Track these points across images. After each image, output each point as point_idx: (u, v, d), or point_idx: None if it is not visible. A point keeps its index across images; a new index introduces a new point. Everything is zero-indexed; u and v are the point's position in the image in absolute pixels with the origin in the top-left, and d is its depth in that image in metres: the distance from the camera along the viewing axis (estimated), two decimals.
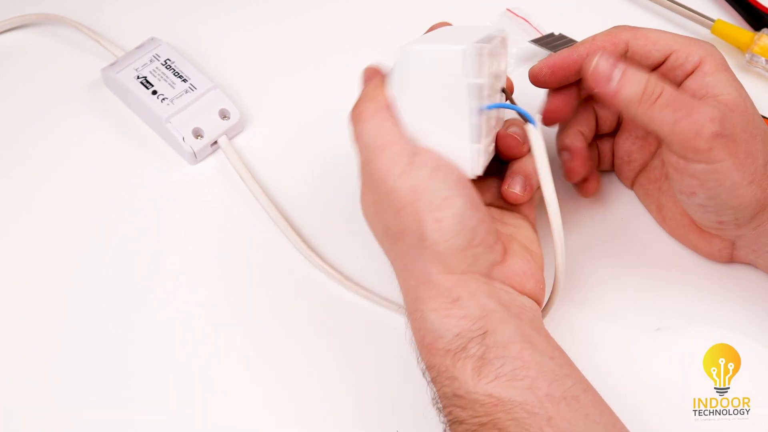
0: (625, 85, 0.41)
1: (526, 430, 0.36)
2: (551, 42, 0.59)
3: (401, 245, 0.40)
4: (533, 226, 0.46)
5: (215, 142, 0.55)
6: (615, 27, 0.46)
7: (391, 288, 0.46)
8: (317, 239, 0.52)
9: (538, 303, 0.42)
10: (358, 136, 0.40)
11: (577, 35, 0.59)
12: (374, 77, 0.43)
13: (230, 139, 0.55)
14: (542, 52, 0.59)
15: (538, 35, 0.61)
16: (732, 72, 0.44)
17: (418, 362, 0.40)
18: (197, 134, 0.54)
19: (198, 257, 0.51)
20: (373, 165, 0.39)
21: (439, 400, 0.39)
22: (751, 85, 0.48)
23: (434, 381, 0.39)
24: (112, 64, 0.57)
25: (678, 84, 0.44)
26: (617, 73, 0.41)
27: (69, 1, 0.62)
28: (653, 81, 0.41)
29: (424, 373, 0.40)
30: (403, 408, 0.45)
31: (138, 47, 0.58)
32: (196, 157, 0.54)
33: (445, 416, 0.39)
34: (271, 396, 0.47)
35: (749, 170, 0.42)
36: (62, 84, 0.59)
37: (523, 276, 0.42)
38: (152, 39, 0.58)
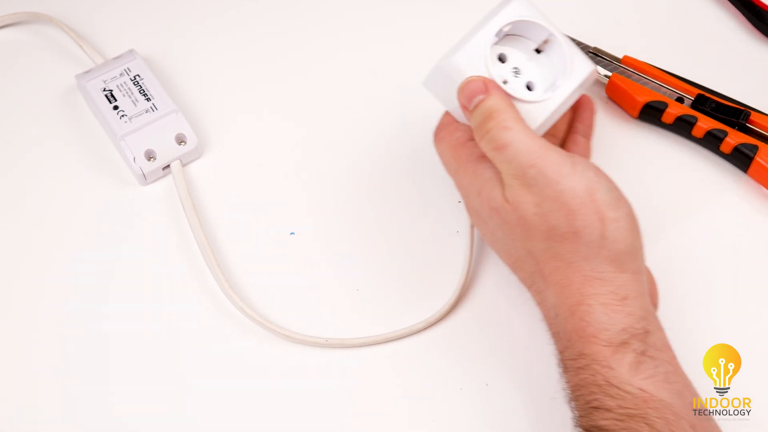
0: None
1: (671, 430, 0.38)
2: None
3: (568, 245, 0.41)
4: None
5: (168, 166, 0.54)
6: None
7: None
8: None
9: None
10: (507, 144, 0.41)
11: (578, 34, 0.59)
12: (485, 92, 0.43)
13: (185, 165, 0.55)
14: None
15: None
16: None
17: (561, 352, 0.42)
18: (149, 156, 0.53)
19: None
20: (538, 168, 0.41)
21: (578, 388, 0.40)
22: None
23: (583, 368, 0.40)
24: (87, 72, 0.57)
25: None
26: None
27: (64, 2, 0.62)
28: None
29: (566, 361, 0.41)
30: None
31: (115, 58, 0.57)
32: (145, 178, 0.54)
33: (585, 403, 0.40)
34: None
35: None
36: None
37: (651, 283, 0.45)
38: (131, 51, 0.58)
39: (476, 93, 0.43)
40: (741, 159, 0.54)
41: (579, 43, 0.60)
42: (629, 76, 0.58)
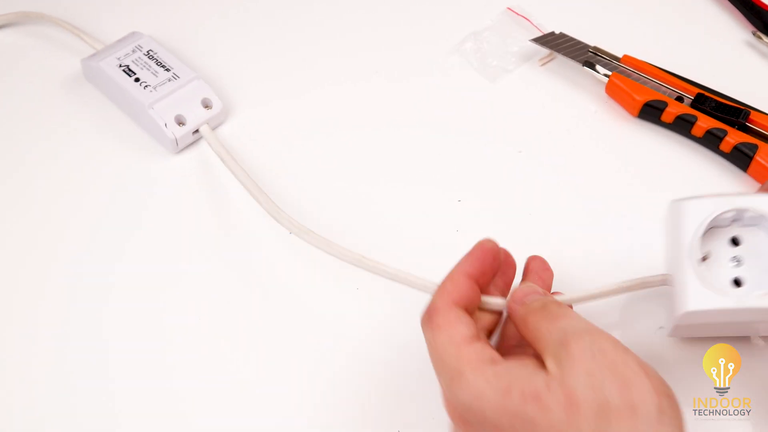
0: None
1: None
2: (552, 41, 0.61)
3: (624, 422, 0.35)
4: None
5: (197, 131, 0.55)
6: None
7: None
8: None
9: None
10: (566, 314, 0.40)
11: (578, 34, 0.61)
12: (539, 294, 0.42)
13: (213, 129, 0.56)
14: (542, 51, 0.62)
15: (539, 34, 0.62)
16: None
17: None
18: (179, 121, 0.54)
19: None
20: (593, 336, 0.38)
21: None
22: None
23: None
24: (93, 55, 0.57)
25: None
26: None
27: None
28: None
29: None
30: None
31: (119, 40, 0.58)
32: (177, 144, 0.54)
33: None
34: (262, 387, 0.46)
35: None
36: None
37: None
38: (134, 33, 0.59)
39: (533, 293, 0.42)
40: (741, 158, 0.54)
41: (578, 42, 0.60)
42: (629, 75, 0.58)
